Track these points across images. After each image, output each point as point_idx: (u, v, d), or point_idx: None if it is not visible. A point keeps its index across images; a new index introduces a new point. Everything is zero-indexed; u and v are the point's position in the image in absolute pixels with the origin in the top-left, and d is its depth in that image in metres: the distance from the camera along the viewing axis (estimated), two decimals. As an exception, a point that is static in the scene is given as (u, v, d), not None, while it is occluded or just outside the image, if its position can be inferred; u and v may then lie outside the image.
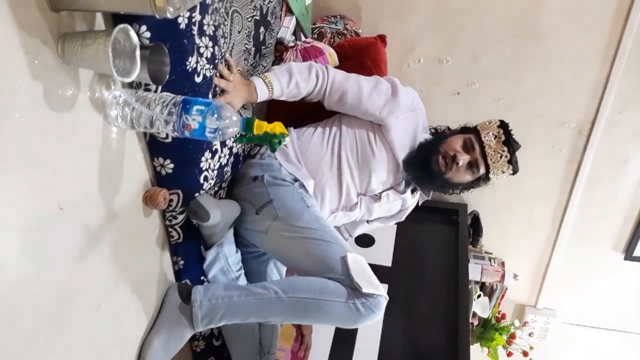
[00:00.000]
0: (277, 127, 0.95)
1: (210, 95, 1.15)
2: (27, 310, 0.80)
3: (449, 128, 1.67)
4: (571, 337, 3.01)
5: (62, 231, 0.86)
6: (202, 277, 1.37)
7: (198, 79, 1.07)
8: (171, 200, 1.15)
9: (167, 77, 0.92)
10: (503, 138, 1.51)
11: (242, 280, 1.46)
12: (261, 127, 0.93)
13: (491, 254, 2.66)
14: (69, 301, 0.90)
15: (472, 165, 1.52)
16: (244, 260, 1.50)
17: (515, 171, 1.55)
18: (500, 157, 1.51)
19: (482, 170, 1.53)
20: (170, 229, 1.21)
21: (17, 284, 0.77)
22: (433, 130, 1.68)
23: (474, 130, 1.56)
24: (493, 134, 1.52)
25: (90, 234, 0.93)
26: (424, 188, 1.65)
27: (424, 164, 1.52)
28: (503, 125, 1.54)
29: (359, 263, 1.28)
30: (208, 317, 1.22)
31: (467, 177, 1.54)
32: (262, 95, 1.39)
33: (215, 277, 1.39)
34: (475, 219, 2.55)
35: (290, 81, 1.44)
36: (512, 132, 1.55)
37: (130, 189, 1.05)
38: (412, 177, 1.56)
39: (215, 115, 0.90)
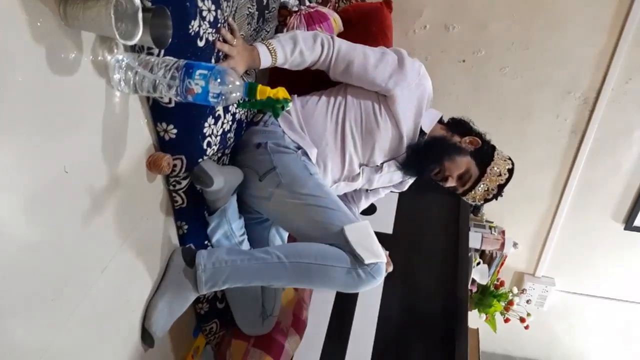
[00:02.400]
0: (281, 92, 0.94)
1: (213, 60, 1.14)
2: (33, 273, 0.82)
3: (472, 130, 1.62)
4: (569, 305, 3.07)
5: (67, 194, 0.87)
6: (206, 242, 1.39)
7: (201, 43, 1.06)
8: (175, 166, 1.16)
9: (170, 40, 0.91)
10: (489, 196, 1.58)
11: (246, 245, 1.48)
12: (264, 92, 0.93)
13: (492, 222, 2.68)
14: (74, 264, 0.92)
15: (451, 188, 1.59)
16: (246, 226, 1.51)
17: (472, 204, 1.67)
18: (473, 201, 1.62)
19: (457, 192, 1.61)
20: (174, 194, 1.23)
21: (23, 247, 0.79)
22: (458, 120, 1.64)
23: (483, 169, 1.54)
24: (487, 187, 1.56)
25: (95, 198, 0.94)
26: (408, 172, 1.64)
27: (422, 166, 1.55)
28: (501, 186, 1.56)
29: (361, 231, 1.29)
30: (212, 280, 1.24)
31: (444, 186, 1.59)
32: (265, 62, 1.37)
33: (219, 241, 1.41)
34: (477, 187, 2.56)
35: (295, 49, 1.42)
36: (502, 192, 1.58)
37: (134, 153, 1.05)
38: (405, 168, 1.58)
39: (219, 80, 0.90)
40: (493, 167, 1.54)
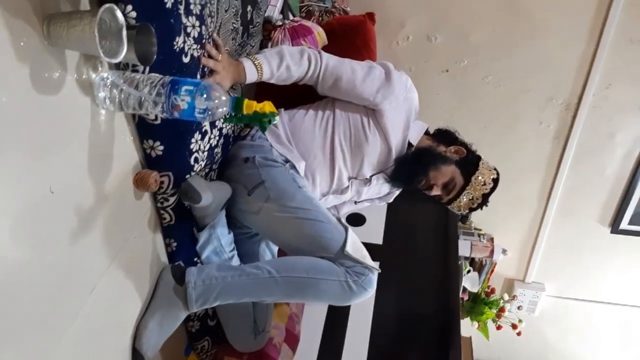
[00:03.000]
0: (267, 106, 0.94)
1: (198, 76, 1.14)
2: (21, 295, 0.80)
3: (457, 139, 1.64)
4: (559, 310, 3.08)
5: (54, 215, 0.85)
6: (196, 259, 1.38)
7: (186, 59, 1.06)
8: (162, 183, 1.15)
9: (155, 57, 0.91)
10: (474, 206, 1.59)
11: (236, 261, 1.47)
12: (251, 106, 0.93)
13: (480, 230, 2.70)
14: (62, 285, 0.90)
15: (436, 196, 1.60)
16: (236, 242, 1.50)
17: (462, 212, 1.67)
18: (458, 210, 1.62)
19: (442, 201, 1.61)
20: (162, 211, 1.21)
21: (11, 270, 0.77)
22: (444, 131, 1.66)
23: (467, 178, 1.56)
24: (472, 196, 1.57)
25: (82, 217, 0.93)
26: (394, 184, 1.66)
27: (409, 178, 1.56)
28: (487, 195, 1.58)
29: (355, 243, 1.31)
30: (202, 297, 1.22)
31: (429, 194, 1.60)
32: (251, 76, 1.37)
33: (209, 258, 1.39)
34: (465, 196, 2.57)
35: (281, 64, 1.42)
36: (487, 202, 1.59)
37: (121, 171, 1.04)
38: (394, 181, 1.60)
39: (205, 96, 0.90)
40: (478, 176, 1.56)
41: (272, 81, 1.45)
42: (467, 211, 1.62)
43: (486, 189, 1.56)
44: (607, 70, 2.25)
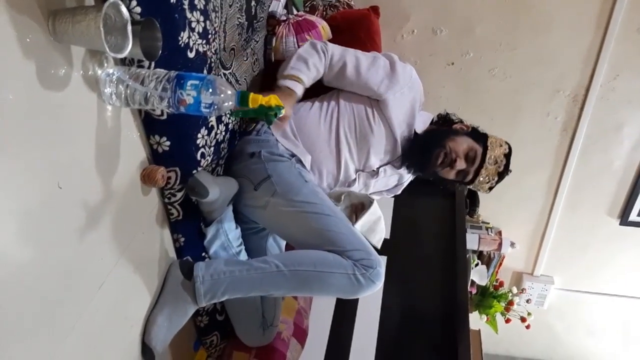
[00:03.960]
0: (273, 99, 0.94)
1: (205, 71, 1.14)
2: (31, 292, 0.81)
3: (460, 120, 1.64)
4: (569, 303, 3.07)
5: (62, 211, 0.86)
6: (203, 254, 1.38)
7: (191, 55, 1.06)
8: (169, 178, 1.15)
9: (160, 52, 0.91)
10: (501, 168, 1.54)
11: (243, 256, 1.47)
12: (256, 100, 0.93)
13: (488, 223, 2.69)
14: (71, 281, 0.91)
15: (461, 172, 1.56)
16: (243, 237, 1.51)
17: (488, 192, 1.62)
18: (487, 182, 1.56)
19: (467, 180, 1.58)
20: (169, 207, 1.22)
21: (19, 266, 0.78)
22: (442, 116, 1.66)
23: (484, 143, 1.55)
24: (495, 159, 1.53)
25: (90, 213, 0.93)
26: (411, 170, 1.65)
27: (425, 152, 1.53)
28: (509, 155, 1.55)
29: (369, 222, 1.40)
30: (210, 292, 1.23)
31: (451, 177, 1.58)
32: (299, 91, 1.46)
33: (216, 253, 1.40)
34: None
35: (308, 66, 1.48)
36: (509, 165, 1.56)
37: (128, 167, 1.05)
38: (406, 159, 1.58)
39: (210, 90, 0.90)
40: (491, 140, 1.55)
41: (310, 83, 1.50)
42: (496, 179, 1.55)
43: (505, 150, 1.55)
44: (614, 61, 2.23)
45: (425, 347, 1.82)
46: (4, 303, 0.75)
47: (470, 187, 1.60)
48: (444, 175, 1.57)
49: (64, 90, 0.83)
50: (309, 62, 1.49)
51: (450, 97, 2.39)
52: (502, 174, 1.55)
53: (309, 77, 1.49)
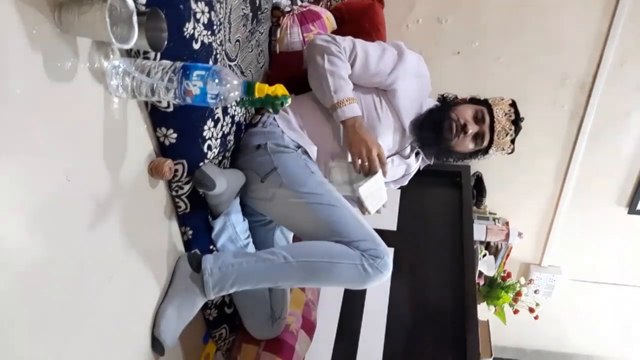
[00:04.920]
0: (279, 89, 0.94)
1: (210, 63, 1.14)
2: (40, 285, 0.81)
3: (456, 97, 1.66)
4: (577, 293, 3.05)
5: (70, 204, 0.86)
6: (211, 247, 1.38)
7: (196, 46, 1.05)
8: (176, 171, 1.15)
9: (166, 43, 0.91)
10: (512, 117, 1.54)
11: (251, 248, 1.47)
12: (262, 89, 0.93)
13: (495, 214, 2.68)
14: (81, 275, 0.91)
15: (477, 137, 1.55)
16: (250, 229, 1.50)
17: (513, 151, 1.60)
18: (506, 135, 1.55)
19: (485, 144, 1.56)
20: (177, 200, 1.22)
21: (29, 261, 0.78)
22: (440, 97, 1.67)
23: (485, 103, 1.57)
24: (504, 111, 1.54)
25: (99, 206, 0.93)
26: (426, 151, 1.65)
27: (434, 127, 1.53)
28: (514, 104, 1.56)
29: (371, 190, 1.41)
30: (219, 284, 1.23)
31: (470, 147, 1.57)
32: (359, 109, 1.47)
33: (224, 245, 1.40)
34: (479, 180, 2.56)
35: (342, 76, 1.46)
36: (519, 112, 1.57)
37: (135, 160, 1.04)
38: (418, 139, 1.57)
39: (216, 80, 0.89)
40: (491, 99, 1.58)
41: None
42: (513, 129, 1.55)
43: (508, 101, 1.57)
44: (621, 48, 2.20)
45: (433, 338, 1.82)
46: (15, 297, 0.75)
47: (492, 150, 1.58)
48: (462, 148, 1.57)
49: (71, 83, 0.83)
50: (342, 73, 1.47)
51: (457, 87, 2.34)
52: (516, 122, 1.55)
53: (350, 86, 1.48)
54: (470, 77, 2.35)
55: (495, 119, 1.53)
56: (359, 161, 1.41)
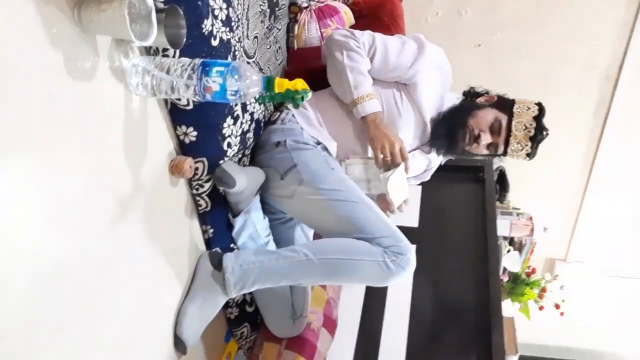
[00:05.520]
0: (299, 83, 0.93)
1: (229, 59, 1.13)
2: (63, 285, 0.81)
3: (483, 93, 1.60)
4: (604, 288, 2.99)
5: (93, 204, 0.86)
6: (232, 245, 1.38)
7: (215, 43, 1.05)
8: (197, 169, 1.15)
9: (185, 40, 0.90)
10: (532, 133, 1.48)
11: (272, 246, 1.46)
12: (282, 84, 0.92)
13: (519, 209, 2.63)
14: (103, 274, 0.91)
15: (490, 146, 1.52)
16: (271, 228, 1.50)
17: (531, 158, 1.53)
18: (521, 150, 1.50)
19: (500, 152, 1.53)
20: (197, 198, 1.22)
21: (53, 260, 0.78)
22: (466, 92, 1.62)
23: (509, 111, 1.50)
24: (524, 124, 1.48)
25: (120, 205, 0.93)
26: (441, 153, 1.62)
27: (449, 133, 1.50)
28: (537, 118, 1.48)
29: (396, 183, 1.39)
30: (240, 282, 1.23)
31: (483, 152, 1.54)
32: (379, 105, 1.44)
33: (245, 244, 1.39)
34: (502, 174, 2.51)
35: (361, 72, 1.44)
36: (543, 126, 1.49)
37: (156, 158, 1.04)
38: (434, 142, 1.54)
39: (236, 76, 0.88)
40: (518, 106, 1.50)
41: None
42: (529, 144, 1.48)
43: (534, 112, 1.49)
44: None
45: (457, 335, 1.79)
46: (38, 297, 0.75)
47: (508, 156, 1.53)
48: (475, 151, 1.54)
49: (91, 82, 0.83)
50: (361, 68, 1.44)
51: (479, 79, 2.30)
52: (534, 138, 1.48)
53: (370, 82, 1.46)
54: (492, 68, 2.31)
55: (512, 133, 1.48)
56: (381, 155, 1.39)
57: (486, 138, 1.49)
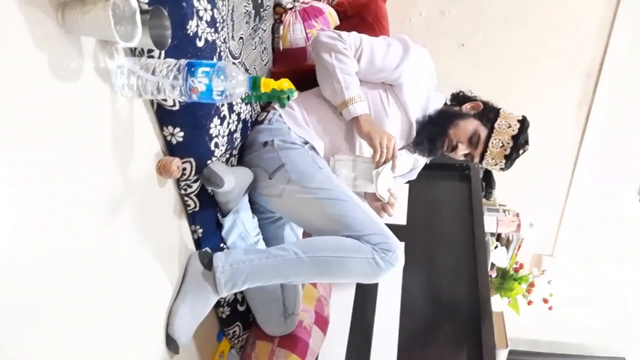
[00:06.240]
0: (284, 83, 0.94)
1: (215, 60, 1.14)
2: (51, 287, 0.81)
3: (470, 98, 1.61)
4: (590, 282, 3.02)
5: (80, 206, 0.86)
6: (222, 244, 1.38)
7: (200, 44, 1.06)
8: (184, 169, 1.16)
9: (170, 41, 0.91)
10: (507, 152, 1.51)
11: (261, 245, 1.47)
12: (268, 84, 0.93)
13: (505, 205, 2.65)
14: (93, 276, 0.91)
15: (467, 155, 1.56)
16: (260, 227, 1.51)
17: (505, 171, 1.58)
18: (495, 165, 1.54)
19: (476, 162, 1.57)
20: (186, 198, 1.22)
21: (43, 265, 0.78)
22: (453, 96, 1.64)
23: (491, 123, 1.52)
24: (501, 142, 1.50)
25: (108, 207, 0.93)
26: (423, 156, 1.64)
27: (430, 140, 1.54)
28: (516, 137, 1.50)
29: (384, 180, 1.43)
30: (231, 281, 1.23)
31: (460, 158, 1.59)
32: (365, 107, 1.46)
33: (235, 243, 1.40)
34: (488, 172, 2.54)
35: (349, 73, 1.45)
36: (521, 144, 1.51)
37: (143, 159, 1.05)
38: (416, 147, 1.57)
39: (222, 76, 0.89)
40: (500, 121, 1.51)
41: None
42: (504, 162, 1.52)
43: (513, 131, 1.50)
44: (628, 33, 2.18)
45: (448, 330, 1.81)
46: (30, 297, 0.76)
47: (484, 164, 1.57)
48: (453, 156, 1.59)
49: (76, 83, 0.83)
50: (350, 70, 1.46)
51: (463, 79, 2.33)
52: (509, 157, 1.51)
53: (358, 83, 1.48)
54: (476, 68, 2.34)
55: (488, 150, 1.51)
56: (379, 149, 1.40)
57: (462, 149, 1.53)
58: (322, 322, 1.65)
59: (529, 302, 2.62)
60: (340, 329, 1.74)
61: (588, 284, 3.04)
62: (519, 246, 2.74)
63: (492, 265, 2.48)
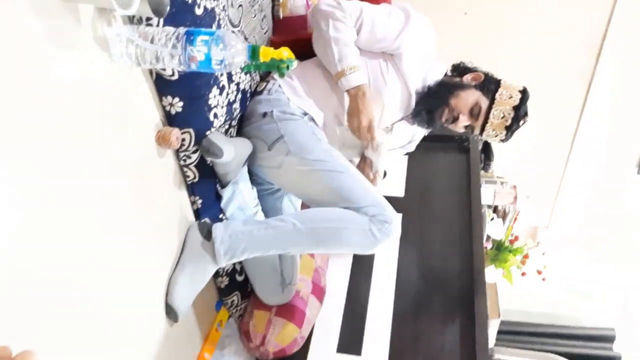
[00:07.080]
0: (284, 52, 0.93)
1: (214, 28, 1.12)
2: (54, 262, 0.82)
3: (472, 69, 1.59)
4: (585, 256, 3.06)
5: (78, 175, 0.86)
6: (221, 215, 1.39)
7: (199, 11, 1.04)
8: (183, 140, 1.15)
9: (168, 8, 0.89)
10: (508, 123, 1.49)
11: (260, 216, 1.48)
12: (267, 53, 0.92)
13: (502, 178, 2.66)
14: (93, 246, 0.91)
15: (468, 127, 1.55)
16: (259, 198, 1.51)
17: (505, 142, 1.57)
18: (495, 136, 1.53)
19: (476, 134, 1.56)
20: (185, 169, 1.22)
21: (42, 235, 0.79)
22: (453, 67, 1.62)
23: (491, 95, 1.50)
24: (502, 113, 1.49)
25: (107, 177, 0.93)
26: (422, 127, 1.63)
27: (429, 111, 1.52)
28: (517, 107, 1.49)
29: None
30: (230, 252, 1.25)
31: (460, 130, 1.57)
32: (363, 77, 1.43)
33: (234, 214, 1.41)
34: (486, 144, 2.54)
35: (349, 45, 1.43)
36: (521, 115, 1.49)
37: (142, 129, 1.04)
38: (415, 118, 1.56)
39: (220, 45, 0.88)
40: (502, 92, 1.50)
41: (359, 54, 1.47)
42: (504, 133, 1.51)
43: (515, 101, 1.49)
44: (632, 5, 2.14)
45: (442, 300, 1.84)
46: (31, 268, 0.76)
47: (483, 137, 1.57)
48: (452, 129, 1.57)
49: (75, 51, 0.82)
50: (347, 39, 1.43)
51: (464, 48, 2.32)
52: (509, 127, 1.50)
53: (357, 53, 1.45)
54: (477, 37, 2.31)
55: (489, 121, 1.49)
56: (355, 132, 1.42)
57: (464, 120, 1.51)
58: (319, 292, 1.67)
59: (523, 274, 2.66)
60: (336, 299, 1.77)
61: (583, 258, 3.07)
62: (515, 218, 2.76)
63: (488, 236, 2.51)
